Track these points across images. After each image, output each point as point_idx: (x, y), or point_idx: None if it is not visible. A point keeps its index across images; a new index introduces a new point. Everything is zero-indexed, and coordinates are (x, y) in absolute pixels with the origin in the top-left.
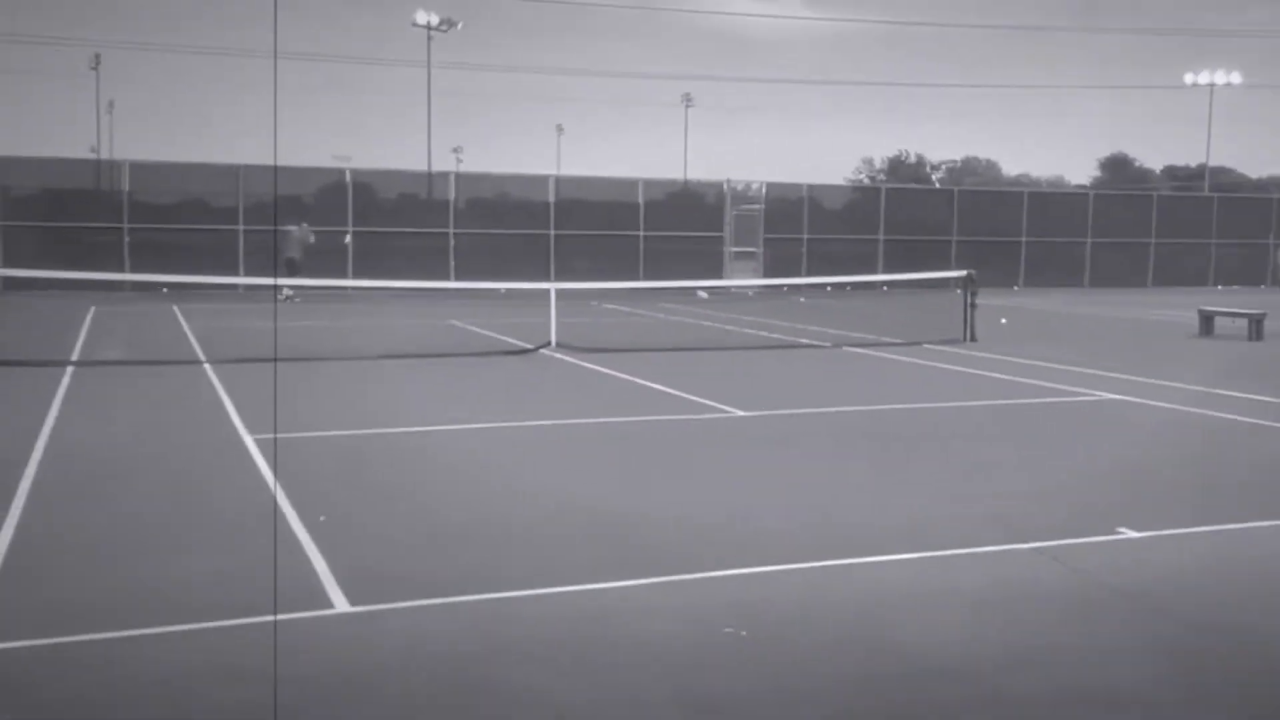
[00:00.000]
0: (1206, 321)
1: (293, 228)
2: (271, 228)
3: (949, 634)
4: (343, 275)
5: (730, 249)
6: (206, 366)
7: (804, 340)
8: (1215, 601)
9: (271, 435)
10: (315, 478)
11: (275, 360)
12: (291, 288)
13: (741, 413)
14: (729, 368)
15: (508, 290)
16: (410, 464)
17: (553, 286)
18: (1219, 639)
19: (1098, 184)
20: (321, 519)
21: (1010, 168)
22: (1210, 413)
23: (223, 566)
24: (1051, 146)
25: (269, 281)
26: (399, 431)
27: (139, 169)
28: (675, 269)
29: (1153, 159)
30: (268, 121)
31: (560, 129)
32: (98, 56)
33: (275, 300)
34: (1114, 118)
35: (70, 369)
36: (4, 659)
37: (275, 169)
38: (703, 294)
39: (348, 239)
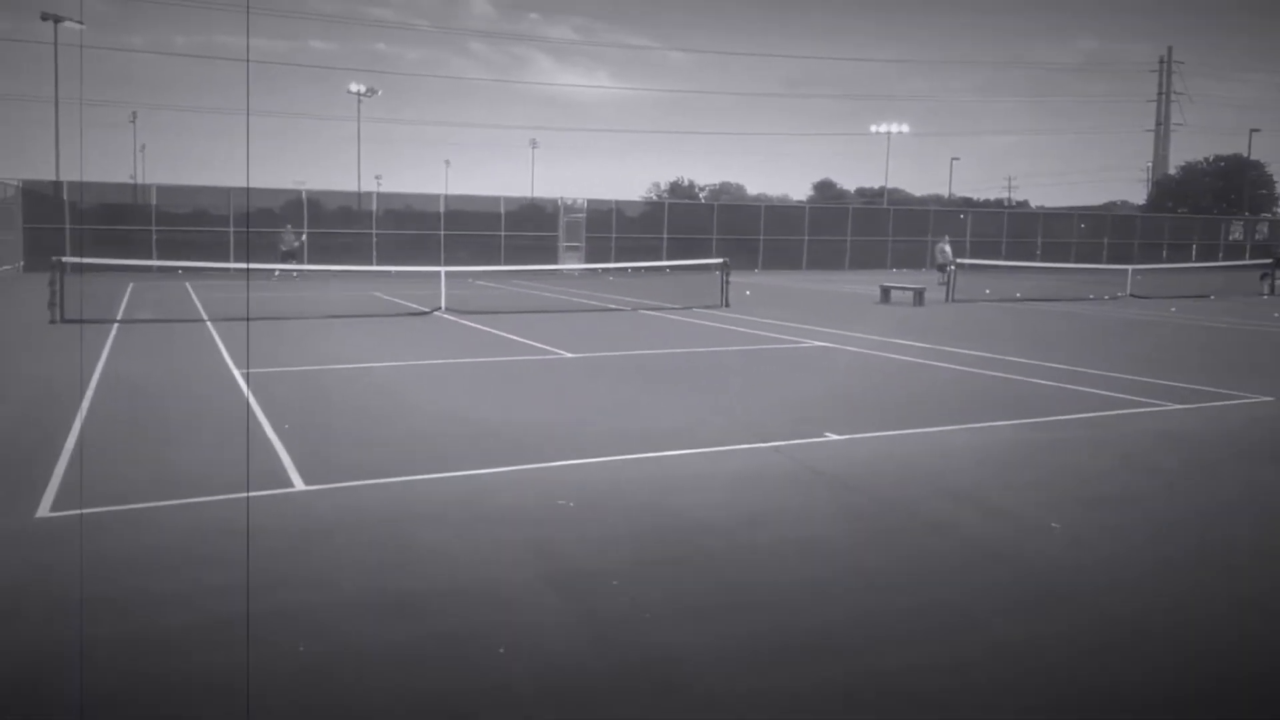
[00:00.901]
0: (885, 293)
1: (287, 229)
2: (246, 229)
3: (711, 503)
4: (300, 261)
5: (562, 244)
6: (208, 324)
7: (612, 305)
8: (888, 482)
9: (252, 370)
10: (282, 398)
11: (249, 319)
12: (281, 270)
13: (570, 354)
14: (562, 325)
15: (410, 272)
16: (348, 389)
17: (442, 270)
18: (887, 507)
19: (811, 200)
20: (286, 426)
21: (752, 189)
22: (887, 355)
23: (217, 458)
24: (780, 174)
25: (263, 266)
26: (340, 367)
27: (163, 190)
28: (525, 258)
29: (849, 183)
30: (251, 157)
31: (448, 162)
32: (135, 114)
33: (270, 277)
34: (822, 155)
35: (116, 325)
36: (71, 522)
37: (248, 191)
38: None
39: (303, 237)
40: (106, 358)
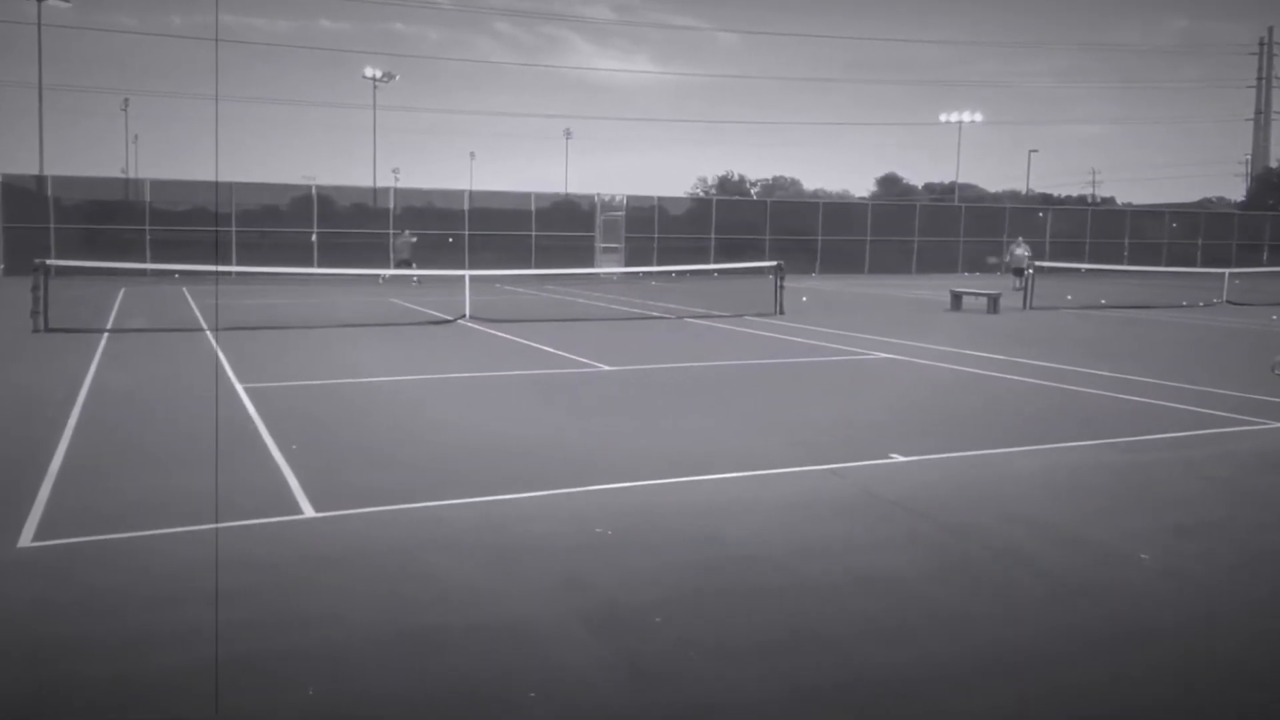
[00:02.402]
0: (956, 299)
1: (404, 233)
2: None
3: (763, 531)
4: (310, 264)
5: (599, 245)
6: (208, 333)
7: (654, 313)
8: (958, 507)
9: (256, 384)
10: (290, 415)
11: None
12: (389, 276)
13: (608, 367)
14: (599, 334)
15: (432, 276)
16: (362, 406)
17: (467, 273)
18: (959, 536)
19: (874, 196)
20: (294, 446)
21: (809, 184)
22: (958, 367)
23: (219, 481)
24: (840, 168)
25: (383, 272)
26: (354, 382)
27: (157, 185)
28: (558, 260)
29: (916, 177)
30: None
31: (473, 155)
32: (126, 101)
33: (378, 282)
34: (887, 146)
35: (106, 334)
36: (56, 552)
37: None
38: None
39: (313, 237)
40: (95, 370)
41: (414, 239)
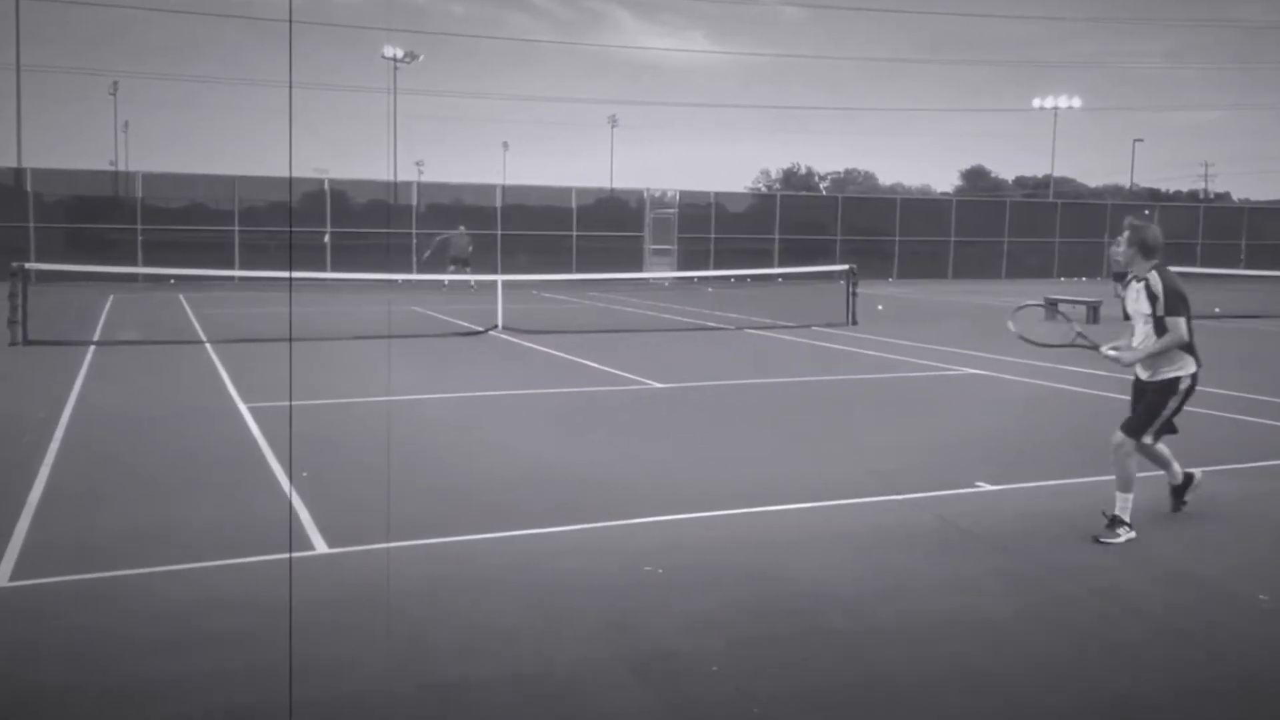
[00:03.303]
0: (1050, 307)
1: (460, 231)
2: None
3: (834, 569)
4: (322, 268)
5: (649, 246)
6: (207, 346)
7: (711, 324)
8: (1054, 543)
9: (262, 404)
10: (301, 438)
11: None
12: (451, 280)
13: (659, 385)
14: (648, 347)
15: (461, 281)
16: (381, 428)
17: (499, 278)
18: (1054, 574)
19: (959, 191)
20: (305, 474)
21: (885, 178)
22: (1053, 385)
23: (220, 514)
24: (920, 160)
25: (437, 277)
26: (371, 401)
27: (150, 179)
28: (602, 263)
29: (1006, 170)
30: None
31: (506, 145)
32: (116, 84)
33: (440, 288)
34: (973, 136)
35: (93, 348)
36: (37, 593)
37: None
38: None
39: (326, 238)
40: (81, 388)
41: (471, 246)
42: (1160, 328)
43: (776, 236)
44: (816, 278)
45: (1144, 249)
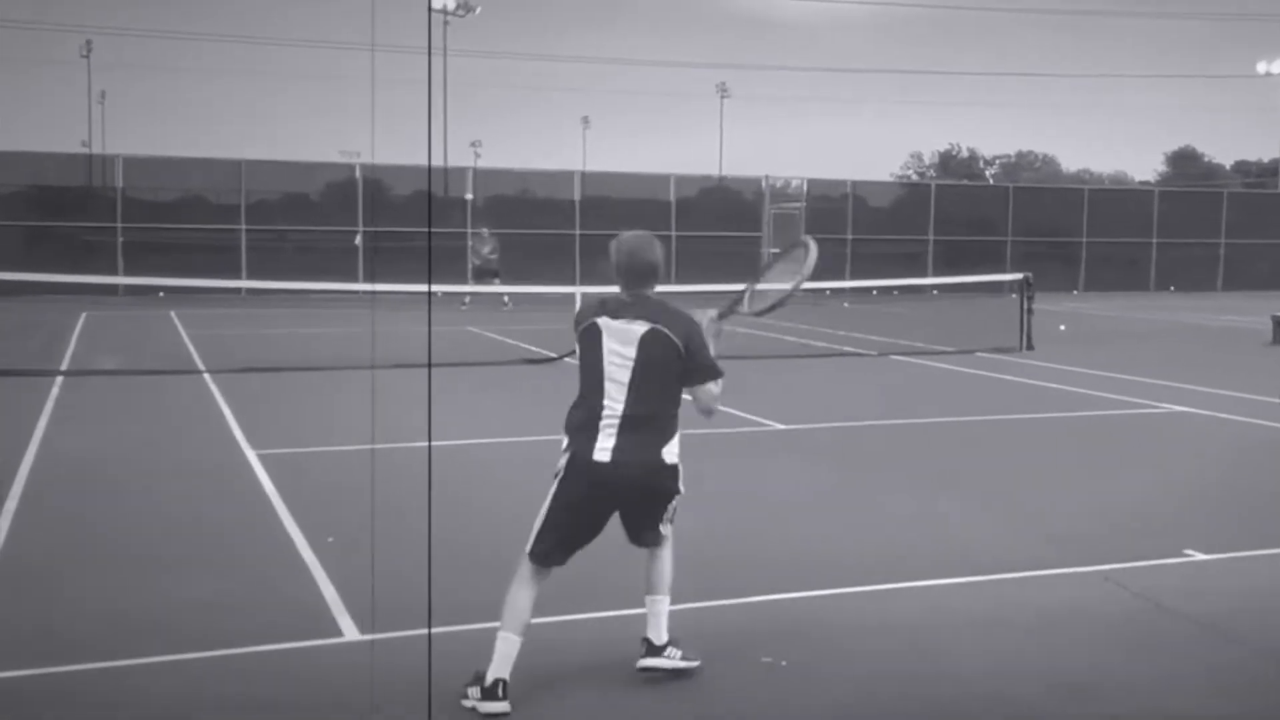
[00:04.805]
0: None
1: (483, 233)
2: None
3: (1003, 665)
4: (353, 278)
5: (768, 249)
6: (206, 377)
7: (847, 348)
8: None
9: (276, 450)
10: (323, 495)
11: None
12: (472, 295)
13: (780, 425)
14: (767, 378)
15: (531, 295)
16: (425, 480)
17: (578, 290)
18: None
19: (1163, 180)
20: (330, 540)
21: (1069, 163)
22: None
23: (224, 591)
24: (1113, 140)
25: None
26: (412, 446)
27: (133, 164)
28: (709, 271)
29: (1222, 154)
30: (274, 113)
31: (586, 121)
32: (89, 43)
33: (461, 305)
34: (1181, 110)
35: (60, 379)
36: None
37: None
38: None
39: (357, 240)
40: (44, 432)
41: (494, 254)
42: None
43: (930, 237)
44: (981, 289)
45: None
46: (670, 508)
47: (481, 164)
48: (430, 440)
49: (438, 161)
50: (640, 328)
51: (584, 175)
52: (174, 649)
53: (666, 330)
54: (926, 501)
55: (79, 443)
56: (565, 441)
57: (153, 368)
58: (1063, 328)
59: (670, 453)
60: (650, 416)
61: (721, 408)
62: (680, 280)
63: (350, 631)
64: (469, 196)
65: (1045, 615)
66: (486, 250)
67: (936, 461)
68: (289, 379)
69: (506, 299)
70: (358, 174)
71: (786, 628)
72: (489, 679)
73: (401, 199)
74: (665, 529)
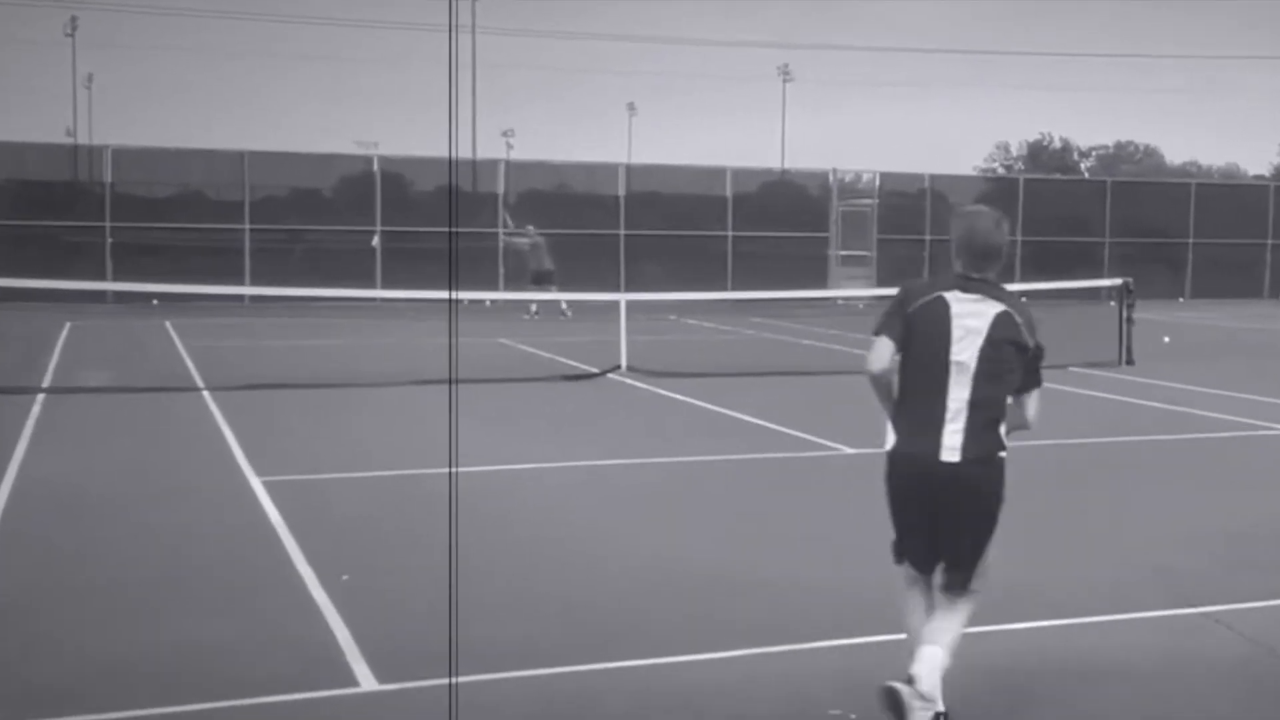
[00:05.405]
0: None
1: (528, 231)
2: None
3: (1102, 712)
4: (370, 284)
5: (837, 252)
6: (205, 394)
7: None
8: None
9: (284, 477)
10: (338, 528)
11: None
12: (539, 304)
13: (851, 450)
14: (835, 395)
15: (568, 303)
16: (454, 512)
17: (623, 298)
18: None
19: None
20: (345, 578)
21: (1174, 155)
22: None
23: (225, 635)
24: (1224, 130)
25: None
26: (437, 473)
27: (124, 156)
28: (769, 276)
29: None
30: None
31: (632, 108)
32: (74, 19)
33: (526, 315)
34: None
35: (41, 397)
36: None
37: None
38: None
39: (375, 241)
40: (24, 456)
41: (528, 243)
42: None
43: (1019, 238)
44: (1075, 296)
45: None
46: (989, 534)
47: (514, 156)
48: (453, 466)
49: (465, 153)
50: (993, 308)
51: (629, 168)
52: (169, 700)
53: (1017, 317)
54: (1016, 534)
55: (62, 468)
56: (893, 440)
57: (145, 384)
58: (1167, 340)
59: (1003, 451)
60: (991, 406)
61: (781, 428)
62: (737, 286)
63: (367, 681)
64: (499, 192)
65: (1147, 661)
66: (541, 253)
67: (1025, 489)
68: (298, 397)
69: (565, 306)
70: (375, 167)
71: (858, 677)
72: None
73: (423, 195)
74: (977, 581)
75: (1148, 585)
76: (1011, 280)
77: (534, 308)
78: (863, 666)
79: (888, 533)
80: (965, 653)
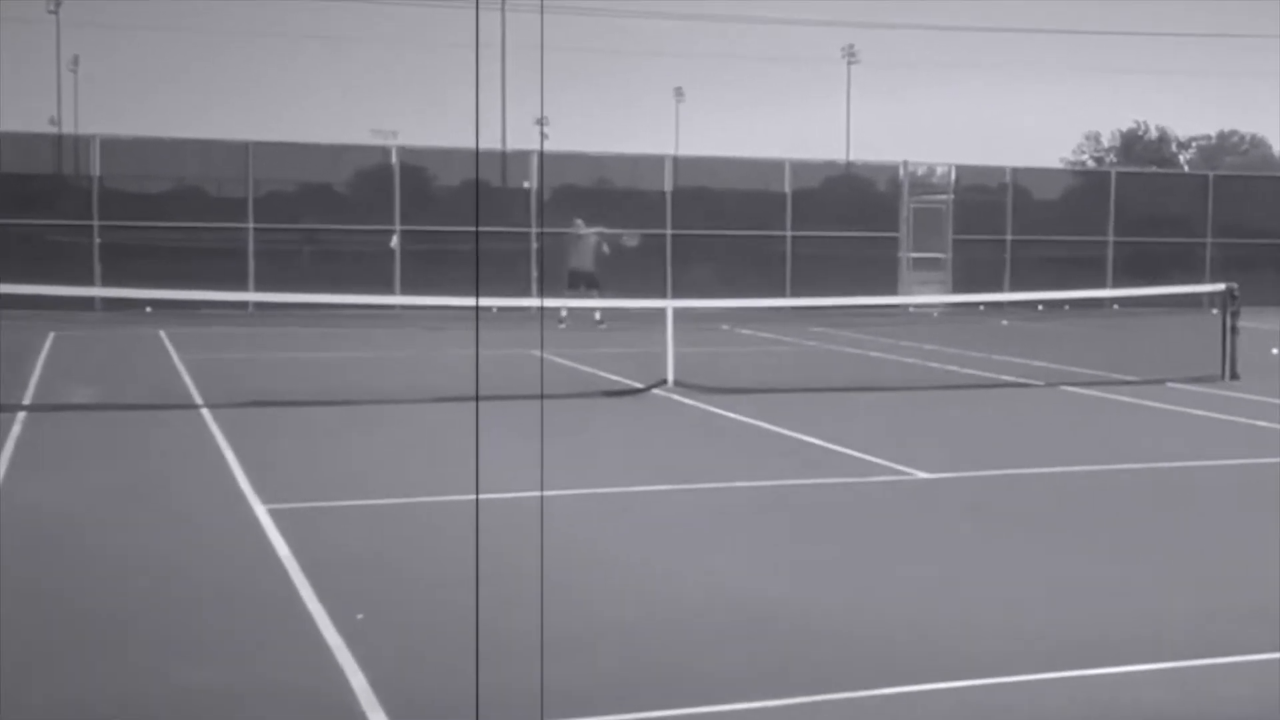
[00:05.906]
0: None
1: (577, 225)
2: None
3: None
4: (388, 290)
5: (908, 254)
6: (204, 412)
7: (1007, 377)
8: None
9: (292, 504)
10: (351, 562)
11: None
12: (569, 310)
13: (925, 474)
14: (908, 414)
15: (606, 311)
16: (478, 542)
17: (670, 305)
18: None
19: None
20: (359, 617)
21: None
22: None
23: (227, 679)
24: None
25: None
26: (462, 499)
27: (113, 147)
28: (833, 280)
29: None
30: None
31: (680, 94)
32: None
33: (557, 324)
34: None
35: (22, 415)
36: None
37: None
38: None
39: (393, 241)
40: (3, 478)
41: (605, 247)
42: None
43: (1110, 239)
44: (1173, 303)
45: None
46: None
47: (549, 146)
48: (478, 493)
49: (493, 143)
50: None
51: (677, 160)
52: None
53: None
54: (1112, 568)
55: (46, 494)
56: None
57: (137, 401)
58: (1276, 351)
59: None
60: None
61: (846, 450)
62: (797, 291)
63: None
64: (528, 185)
65: (1248, 711)
66: (587, 250)
67: (1116, 519)
68: (307, 415)
69: (599, 315)
70: (394, 159)
71: None
72: None
73: (448, 190)
74: None
75: (1248, 626)
76: (1103, 285)
77: (564, 314)
78: (943, 714)
79: (968, 560)
80: (1068, 699)
